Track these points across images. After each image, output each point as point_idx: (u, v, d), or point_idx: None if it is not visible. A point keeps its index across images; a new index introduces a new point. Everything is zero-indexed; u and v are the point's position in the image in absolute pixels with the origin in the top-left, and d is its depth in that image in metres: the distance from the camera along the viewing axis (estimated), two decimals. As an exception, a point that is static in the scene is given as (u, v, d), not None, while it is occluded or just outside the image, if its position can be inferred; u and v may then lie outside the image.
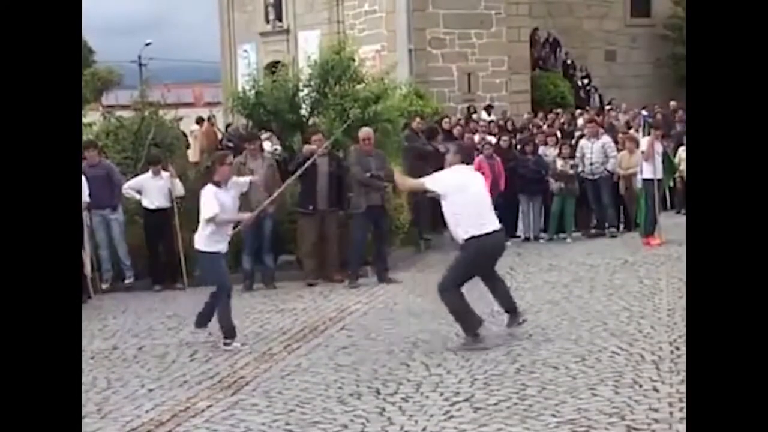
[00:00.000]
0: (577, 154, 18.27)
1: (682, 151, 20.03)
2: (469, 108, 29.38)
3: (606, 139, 18.48)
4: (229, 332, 10.66)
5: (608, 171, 17.97)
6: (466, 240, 10.02)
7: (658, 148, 17.09)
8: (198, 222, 10.80)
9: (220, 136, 28.20)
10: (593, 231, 18.35)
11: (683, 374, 8.41)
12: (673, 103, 27.32)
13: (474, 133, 21.57)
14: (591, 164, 18.04)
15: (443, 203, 10.30)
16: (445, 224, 17.98)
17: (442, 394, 8.28)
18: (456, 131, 21.01)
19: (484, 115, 28.43)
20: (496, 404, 7.91)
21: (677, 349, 9.28)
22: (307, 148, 14.38)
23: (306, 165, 13.04)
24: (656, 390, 8.03)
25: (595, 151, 18.15)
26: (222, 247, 10.76)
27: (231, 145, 21.70)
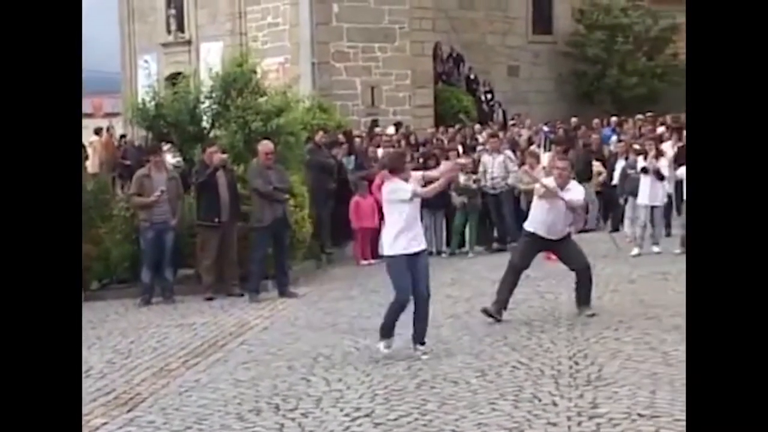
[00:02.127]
0: (480, 169, 18.41)
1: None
2: (372, 122, 29.44)
3: (507, 153, 18.66)
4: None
5: (509, 186, 18.14)
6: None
7: (560, 163, 17.30)
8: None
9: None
10: (495, 246, 18.49)
11: (582, 389, 8.52)
12: (574, 120, 27.73)
13: (378, 147, 21.61)
14: (492, 179, 18.20)
15: None
16: (346, 238, 18.17)
17: (342, 410, 8.25)
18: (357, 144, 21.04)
19: (391, 129, 28.50)
20: (396, 419, 7.90)
21: (576, 363, 9.39)
22: (217, 158, 14.32)
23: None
24: (555, 404, 8.10)
25: (496, 165, 18.32)
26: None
27: (127, 162, 21.52)
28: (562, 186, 11.81)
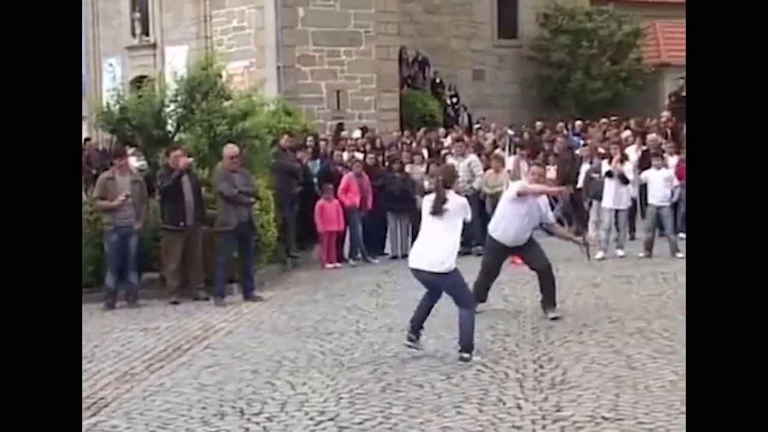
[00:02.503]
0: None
1: (546, 170, 20.44)
2: (338, 125, 29.43)
3: (472, 157, 18.70)
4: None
5: (474, 189, 18.16)
6: None
7: (524, 167, 17.39)
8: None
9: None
10: (460, 249, 18.47)
11: (546, 392, 8.55)
12: (539, 123, 27.83)
13: (343, 151, 21.59)
14: (458, 182, 18.21)
15: None
16: (312, 241, 18.15)
17: (307, 413, 8.23)
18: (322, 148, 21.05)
19: (356, 133, 28.48)
20: (361, 423, 7.89)
21: (541, 367, 9.43)
22: (183, 162, 14.26)
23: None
24: (520, 408, 8.12)
25: (461, 169, 18.34)
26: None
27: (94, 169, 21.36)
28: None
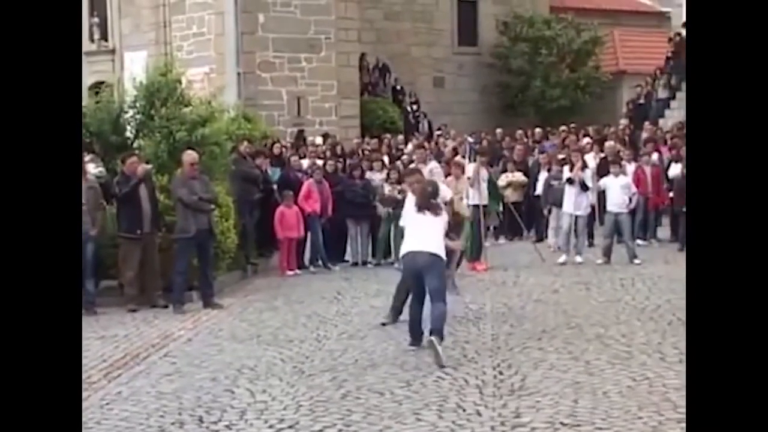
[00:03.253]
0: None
1: (505, 177, 20.53)
2: (298, 132, 29.37)
3: (433, 164, 18.70)
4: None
5: (435, 196, 18.18)
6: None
7: (484, 174, 17.42)
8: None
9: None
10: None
11: (506, 398, 8.57)
12: (499, 130, 27.91)
13: (303, 158, 21.55)
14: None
15: None
16: (272, 248, 18.07)
17: (266, 421, 8.19)
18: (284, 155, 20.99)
19: (318, 139, 28.43)
20: (320, 430, 7.88)
21: (500, 373, 9.44)
22: (141, 169, 14.16)
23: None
24: (479, 414, 8.13)
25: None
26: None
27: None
28: None
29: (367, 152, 24.11)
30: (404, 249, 10.72)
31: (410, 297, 10.97)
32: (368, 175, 18.91)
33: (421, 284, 10.48)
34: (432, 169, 18.39)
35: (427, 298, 10.47)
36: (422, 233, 10.55)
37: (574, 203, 17.08)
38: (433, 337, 9.86)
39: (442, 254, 10.48)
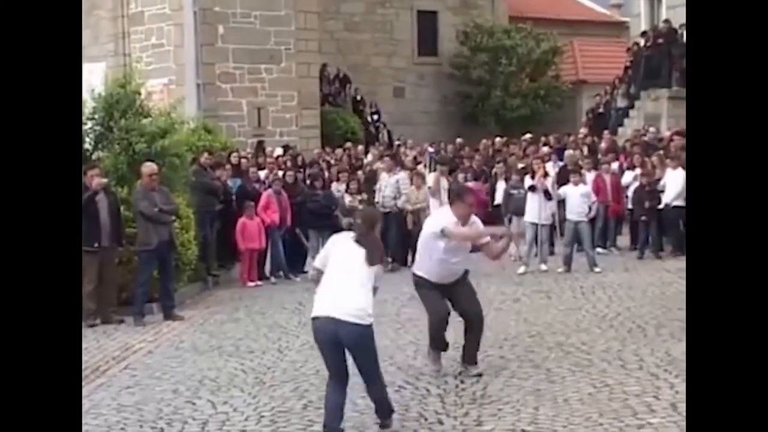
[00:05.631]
0: (375, 188, 18.51)
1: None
2: (259, 143, 29.33)
3: (401, 175, 18.76)
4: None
5: (398, 207, 18.26)
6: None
7: (444, 183, 17.51)
8: None
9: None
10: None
11: (467, 407, 8.62)
12: (459, 140, 28.00)
13: (261, 169, 21.52)
14: (383, 197, 18.32)
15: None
16: (233, 259, 18.02)
17: (227, 433, 8.19)
18: (244, 165, 20.94)
19: (279, 150, 28.40)
20: (282, 441, 7.87)
21: (462, 382, 9.48)
22: (97, 182, 14.02)
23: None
24: (441, 423, 8.18)
25: (389, 185, 18.43)
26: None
27: None
28: (464, 221, 9.80)
29: (329, 163, 24.14)
30: (317, 308, 7.85)
31: (329, 378, 8.03)
32: (334, 186, 18.96)
33: (343, 362, 7.89)
34: (399, 179, 18.48)
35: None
36: (344, 286, 7.83)
37: (537, 212, 17.14)
38: (386, 422, 8.15)
39: (369, 319, 7.79)
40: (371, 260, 7.94)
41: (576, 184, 17.65)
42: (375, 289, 8.04)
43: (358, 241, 8.07)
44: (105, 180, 14.33)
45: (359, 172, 21.41)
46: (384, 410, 8.13)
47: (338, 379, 7.86)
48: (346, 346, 7.71)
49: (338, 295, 7.74)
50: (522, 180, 18.41)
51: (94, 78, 27.80)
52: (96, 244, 13.88)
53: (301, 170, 21.95)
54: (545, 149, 23.76)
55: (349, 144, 29.04)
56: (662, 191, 18.56)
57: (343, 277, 7.84)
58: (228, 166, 19.08)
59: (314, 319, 7.80)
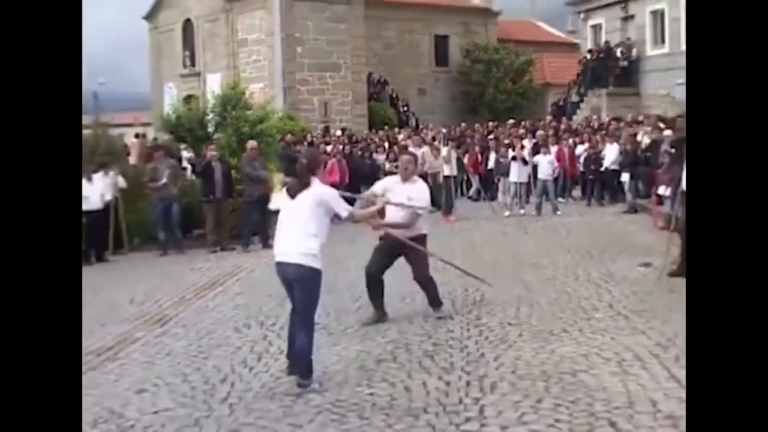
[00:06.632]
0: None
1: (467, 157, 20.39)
2: (326, 127, 29.29)
3: (424, 148, 18.58)
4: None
5: (424, 170, 18.09)
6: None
7: (453, 154, 17.39)
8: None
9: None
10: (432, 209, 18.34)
11: (470, 307, 8.47)
12: (463, 124, 27.79)
13: (328, 144, 21.46)
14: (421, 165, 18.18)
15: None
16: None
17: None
18: (315, 142, 20.85)
19: (338, 132, 28.33)
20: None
21: (466, 290, 9.29)
22: (210, 154, 14.16)
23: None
24: (452, 318, 8.03)
25: (419, 155, 18.26)
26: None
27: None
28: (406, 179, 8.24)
29: (374, 140, 24.01)
30: (275, 252, 6.10)
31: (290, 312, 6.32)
32: (376, 156, 18.77)
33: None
34: (424, 151, 18.32)
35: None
36: (292, 231, 5.99)
37: (518, 174, 17.02)
38: (302, 382, 5.95)
39: (316, 262, 5.92)
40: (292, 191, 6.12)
41: (544, 154, 17.51)
42: (338, 217, 6.12)
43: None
44: (216, 153, 14.36)
45: (395, 147, 21.26)
46: (302, 368, 5.95)
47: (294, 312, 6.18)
48: (290, 282, 6.01)
49: (286, 241, 6.01)
50: (507, 151, 18.22)
51: (214, 84, 27.92)
52: (211, 196, 13.97)
53: (355, 145, 21.83)
54: (522, 131, 23.50)
55: (387, 127, 28.91)
56: (603, 159, 18.36)
57: (290, 223, 6.05)
58: (305, 143, 19.01)
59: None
